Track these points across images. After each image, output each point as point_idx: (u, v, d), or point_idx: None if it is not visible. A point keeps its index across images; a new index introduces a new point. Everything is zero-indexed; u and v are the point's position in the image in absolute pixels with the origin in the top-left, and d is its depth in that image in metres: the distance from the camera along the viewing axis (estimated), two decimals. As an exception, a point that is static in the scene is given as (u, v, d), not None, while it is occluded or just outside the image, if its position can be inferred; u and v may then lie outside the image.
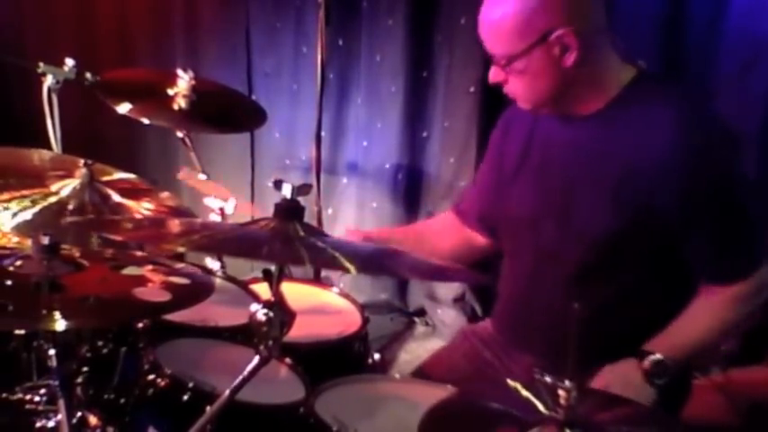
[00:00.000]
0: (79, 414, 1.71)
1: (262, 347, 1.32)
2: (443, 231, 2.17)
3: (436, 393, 1.56)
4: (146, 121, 2.47)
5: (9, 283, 1.40)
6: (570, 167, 1.80)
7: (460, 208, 2.16)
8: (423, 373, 2.02)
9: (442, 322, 3.58)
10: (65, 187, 1.87)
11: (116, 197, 1.92)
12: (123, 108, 2.34)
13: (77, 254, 1.52)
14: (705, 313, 1.77)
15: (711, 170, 1.68)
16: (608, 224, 1.73)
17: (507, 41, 1.68)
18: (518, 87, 1.75)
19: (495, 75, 1.76)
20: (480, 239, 2.12)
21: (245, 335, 1.76)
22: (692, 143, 1.66)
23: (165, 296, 1.42)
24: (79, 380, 1.79)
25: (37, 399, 1.82)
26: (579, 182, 1.79)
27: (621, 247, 1.74)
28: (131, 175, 2.07)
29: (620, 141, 1.73)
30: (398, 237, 2.18)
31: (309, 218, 2.15)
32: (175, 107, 2.38)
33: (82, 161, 1.91)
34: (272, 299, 1.33)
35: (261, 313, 1.32)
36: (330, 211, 3.67)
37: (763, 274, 1.75)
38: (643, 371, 1.72)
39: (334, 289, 2.24)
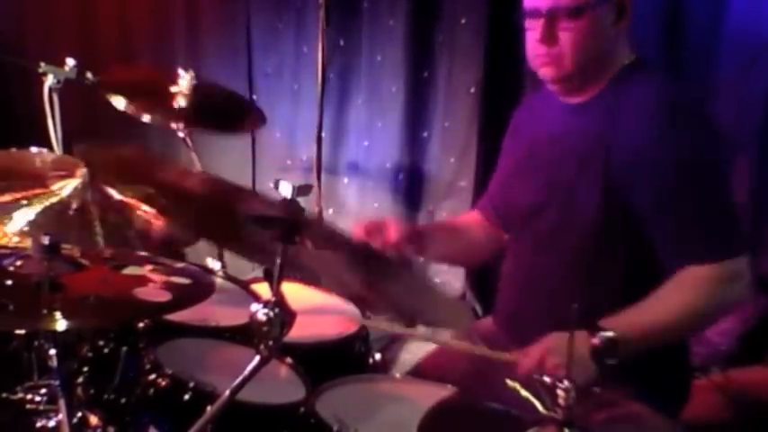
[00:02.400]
0: (80, 414, 1.71)
1: (262, 347, 1.32)
2: (475, 228, 2.17)
3: (437, 393, 1.56)
4: (146, 119, 2.47)
5: (9, 282, 1.40)
6: (566, 160, 1.83)
7: (480, 205, 2.18)
8: (422, 370, 2.02)
9: (443, 322, 3.58)
10: (66, 187, 1.87)
11: (117, 196, 1.92)
12: (122, 105, 2.34)
13: (78, 254, 1.52)
14: (672, 296, 1.70)
15: (685, 152, 1.70)
16: (600, 209, 1.76)
17: None
18: (569, 45, 1.74)
19: (545, 31, 1.74)
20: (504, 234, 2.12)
21: (245, 335, 1.77)
22: (657, 120, 1.71)
23: (165, 296, 1.42)
24: (80, 380, 1.79)
25: (38, 398, 1.83)
26: (576, 175, 1.81)
27: (615, 233, 1.76)
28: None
29: (603, 130, 1.77)
30: (438, 233, 2.15)
31: (310, 218, 2.15)
32: (176, 107, 2.39)
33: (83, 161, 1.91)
34: (273, 299, 1.33)
35: (261, 313, 1.32)
36: (331, 211, 3.67)
37: (736, 264, 1.71)
38: (591, 346, 1.62)
39: (335, 289, 2.24)
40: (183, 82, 2.38)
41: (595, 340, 1.61)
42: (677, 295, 1.70)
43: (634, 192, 1.72)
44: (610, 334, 1.62)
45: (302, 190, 1.36)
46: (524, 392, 1.32)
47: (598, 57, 1.77)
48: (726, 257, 1.70)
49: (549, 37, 1.75)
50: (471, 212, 2.28)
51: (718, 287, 1.71)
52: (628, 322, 1.66)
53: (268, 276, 1.36)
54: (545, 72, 1.81)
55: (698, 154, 1.72)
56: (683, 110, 1.75)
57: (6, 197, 1.79)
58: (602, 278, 1.79)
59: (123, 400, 1.78)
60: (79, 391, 1.78)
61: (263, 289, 2.01)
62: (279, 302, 1.33)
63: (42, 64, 2.38)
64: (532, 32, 1.77)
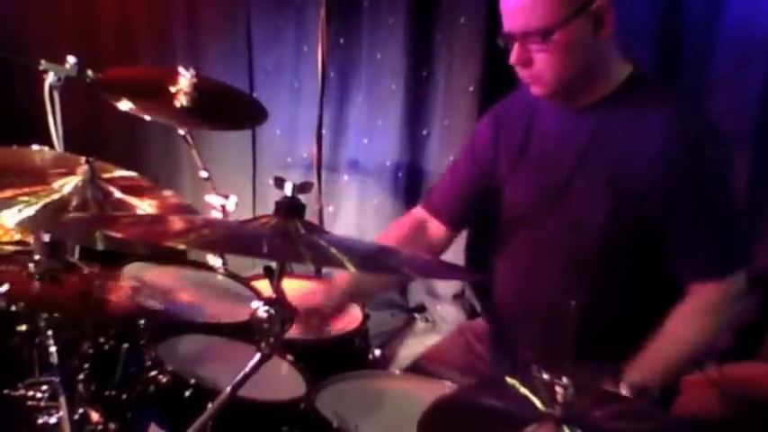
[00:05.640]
0: (81, 411, 1.72)
1: (263, 344, 1.33)
2: (405, 243, 2.04)
3: (436, 389, 1.57)
4: (147, 118, 2.48)
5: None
6: (568, 160, 1.81)
7: (434, 204, 2.10)
8: (419, 365, 2.03)
9: (442, 318, 3.59)
10: (67, 185, 1.87)
11: (118, 194, 1.93)
12: (125, 105, 2.35)
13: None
14: (684, 327, 1.74)
15: (699, 167, 1.70)
16: (604, 217, 1.75)
17: (548, 12, 1.65)
18: (546, 66, 1.71)
19: (519, 55, 1.71)
20: (436, 240, 2.08)
21: (246, 332, 1.77)
22: (682, 141, 1.70)
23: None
24: (81, 376, 1.80)
25: (39, 395, 1.83)
26: (576, 174, 1.80)
27: (617, 241, 1.76)
28: (133, 173, 2.08)
29: (616, 135, 1.75)
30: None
31: (310, 216, 2.16)
32: (177, 104, 2.39)
33: (83, 158, 1.92)
34: (274, 296, 1.34)
35: (263, 311, 1.32)
36: (331, 208, 3.68)
37: (739, 279, 1.76)
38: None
39: (335, 286, 2.25)
40: (184, 79, 2.39)
41: (625, 392, 1.65)
42: (690, 327, 1.75)
43: (647, 204, 1.71)
44: (637, 382, 1.66)
45: (303, 188, 1.37)
46: (523, 389, 1.33)
47: (583, 69, 1.73)
48: (737, 270, 1.74)
49: (524, 60, 1.72)
50: (410, 215, 2.17)
51: (727, 306, 1.76)
52: (650, 367, 1.69)
53: (269, 273, 1.36)
54: (533, 90, 1.79)
55: (715, 169, 1.73)
56: (701, 125, 1.76)
57: (7, 193, 1.79)
58: (602, 286, 1.77)
59: (124, 397, 1.78)
60: (80, 387, 1.78)
61: (263, 286, 2.01)
62: (280, 300, 1.33)
63: (43, 61, 2.38)
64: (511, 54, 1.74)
